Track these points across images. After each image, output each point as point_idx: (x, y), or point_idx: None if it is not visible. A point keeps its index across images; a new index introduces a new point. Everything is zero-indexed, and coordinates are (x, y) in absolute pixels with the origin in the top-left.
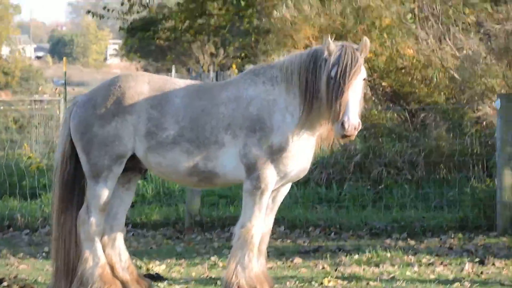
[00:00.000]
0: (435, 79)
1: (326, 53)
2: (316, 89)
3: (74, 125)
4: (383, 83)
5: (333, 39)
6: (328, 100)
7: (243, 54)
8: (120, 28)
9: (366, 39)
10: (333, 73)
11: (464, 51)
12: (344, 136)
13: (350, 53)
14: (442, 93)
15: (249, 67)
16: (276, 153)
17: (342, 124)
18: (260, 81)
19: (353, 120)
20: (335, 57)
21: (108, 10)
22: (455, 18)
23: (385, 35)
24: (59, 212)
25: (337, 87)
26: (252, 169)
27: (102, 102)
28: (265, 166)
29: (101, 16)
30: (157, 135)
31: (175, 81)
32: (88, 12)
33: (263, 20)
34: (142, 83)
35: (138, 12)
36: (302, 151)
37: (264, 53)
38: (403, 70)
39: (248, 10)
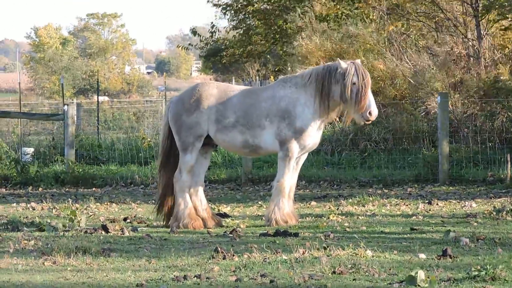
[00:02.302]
0: (398, 84)
1: (340, 69)
2: (329, 90)
3: (170, 116)
4: None
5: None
6: (353, 98)
7: (276, 69)
8: (200, 56)
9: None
10: (354, 79)
11: (417, 65)
12: (368, 121)
13: (360, 67)
14: (403, 93)
15: (280, 77)
16: (298, 133)
17: (370, 113)
18: (287, 86)
19: (376, 110)
20: (353, 69)
21: (191, 45)
22: (411, 44)
23: (369, 55)
24: (161, 173)
25: (361, 89)
26: (283, 144)
27: (188, 101)
28: (291, 142)
29: (186, 48)
30: (222, 121)
31: (233, 87)
32: (178, 46)
33: (290, 46)
34: (212, 88)
35: (210, 44)
36: (315, 131)
37: (291, 69)
38: (378, 78)
39: (281, 40)
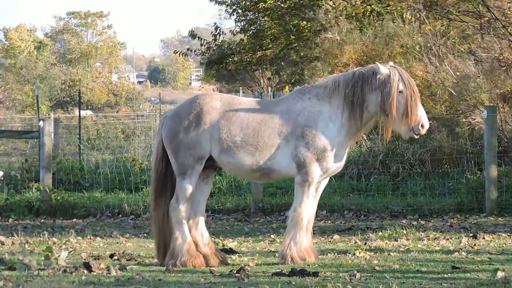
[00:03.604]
0: (438, 95)
1: (380, 74)
2: (362, 100)
3: (165, 134)
4: None
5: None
6: (400, 110)
7: (293, 80)
8: (201, 63)
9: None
10: (401, 87)
11: (459, 73)
12: (418, 135)
13: (405, 72)
14: (443, 105)
15: (296, 87)
16: (320, 153)
17: (422, 126)
18: (306, 98)
19: (427, 122)
20: (397, 74)
21: (191, 50)
22: (451, 48)
23: (408, 58)
24: (154, 201)
25: (410, 98)
26: (301, 166)
27: (186, 116)
28: (312, 164)
29: (185, 54)
30: (227, 140)
31: (239, 99)
32: (175, 52)
33: (312, 47)
34: (215, 100)
35: (213, 50)
36: (340, 151)
37: (310, 77)
38: None
39: (296, 43)
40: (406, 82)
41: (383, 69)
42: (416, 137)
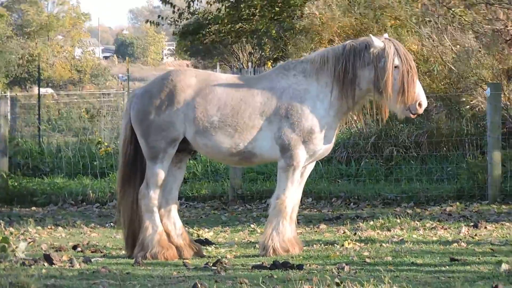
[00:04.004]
0: (436, 71)
1: (373, 47)
2: (354, 77)
3: (133, 114)
4: None
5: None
6: (396, 87)
7: (275, 56)
8: (174, 33)
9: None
10: (397, 62)
11: (460, 47)
12: (415, 114)
13: (401, 45)
14: (441, 83)
15: (279, 63)
16: (306, 135)
17: (419, 104)
18: (291, 74)
19: (425, 101)
20: (392, 48)
21: (162, 18)
22: (452, 19)
23: (400, 30)
24: (122, 187)
25: (406, 74)
26: (286, 149)
27: (157, 94)
28: (297, 147)
29: (157, 24)
30: (203, 121)
31: (217, 75)
32: (147, 21)
33: (294, 22)
34: (190, 77)
35: (187, 19)
36: (329, 133)
37: (294, 53)
38: None
39: (282, 14)
40: (402, 56)
41: (377, 42)
42: (412, 116)
